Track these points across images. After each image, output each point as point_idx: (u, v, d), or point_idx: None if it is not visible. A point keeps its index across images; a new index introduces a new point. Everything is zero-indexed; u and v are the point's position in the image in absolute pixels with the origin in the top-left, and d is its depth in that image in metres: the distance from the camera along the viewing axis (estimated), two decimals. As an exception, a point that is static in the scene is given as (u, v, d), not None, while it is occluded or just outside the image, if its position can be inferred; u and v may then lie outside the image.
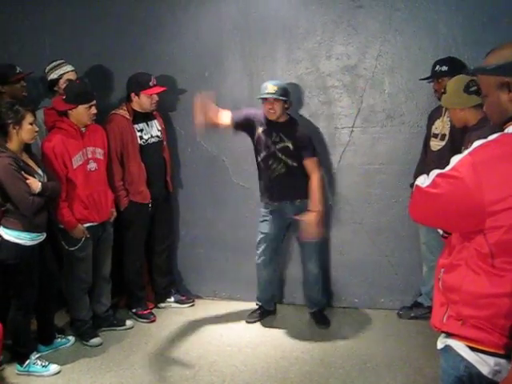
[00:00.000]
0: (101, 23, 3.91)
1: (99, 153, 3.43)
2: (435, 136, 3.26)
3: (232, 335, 3.57)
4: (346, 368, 3.09)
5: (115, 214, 3.58)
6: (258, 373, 3.09)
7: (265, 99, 3.33)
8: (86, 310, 3.52)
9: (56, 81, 3.59)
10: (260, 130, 3.44)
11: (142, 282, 3.89)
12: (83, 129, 3.34)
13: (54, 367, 3.16)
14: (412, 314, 3.62)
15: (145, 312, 3.84)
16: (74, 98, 3.25)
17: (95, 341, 3.48)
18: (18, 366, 3.16)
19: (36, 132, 3.03)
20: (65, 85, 3.48)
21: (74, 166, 3.28)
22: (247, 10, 3.69)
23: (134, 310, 3.84)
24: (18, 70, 3.48)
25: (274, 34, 3.68)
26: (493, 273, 1.38)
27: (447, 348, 1.52)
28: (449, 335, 1.51)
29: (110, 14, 3.90)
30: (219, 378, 3.05)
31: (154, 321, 3.80)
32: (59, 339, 3.46)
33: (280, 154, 3.40)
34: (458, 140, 2.96)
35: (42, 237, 3.10)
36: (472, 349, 1.44)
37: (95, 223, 3.41)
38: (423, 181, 1.48)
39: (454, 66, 3.11)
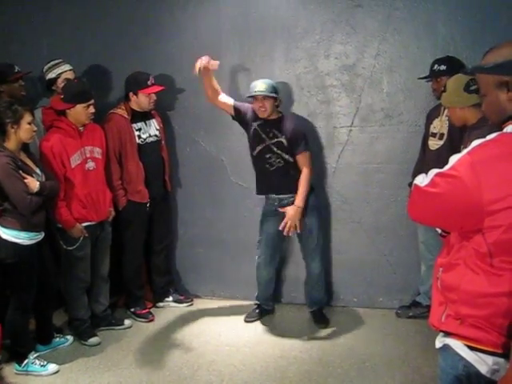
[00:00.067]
0: (99, 23, 3.90)
1: (97, 152, 3.42)
2: (433, 135, 3.27)
3: (230, 334, 3.57)
4: (345, 367, 3.09)
5: (113, 213, 3.57)
6: (257, 372, 3.09)
7: (255, 97, 3.34)
8: (84, 310, 3.52)
9: (54, 80, 3.58)
10: (254, 124, 3.45)
11: (140, 281, 3.89)
12: (81, 128, 3.33)
13: (52, 367, 3.16)
14: (410, 313, 3.62)
15: (143, 311, 3.84)
16: (72, 98, 3.25)
17: (93, 340, 3.48)
18: (17, 366, 3.15)
19: (34, 131, 3.03)
20: (63, 84, 3.47)
21: (72, 166, 3.27)
22: (246, 9, 3.69)
23: (132, 310, 3.84)
24: (17, 69, 3.47)
25: (272, 33, 3.68)
26: (491, 272, 1.38)
27: (446, 347, 1.52)
28: (447, 334, 1.51)
29: (109, 13, 3.89)
30: (218, 378, 3.05)
31: (152, 320, 3.80)
32: (57, 339, 3.45)
33: (275, 148, 3.41)
34: (456, 139, 2.96)
35: (40, 236, 3.10)
36: (470, 348, 1.44)
37: (93, 222, 3.41)
38: (422, 180, 1.48)
39: (453, 66, 3.11)
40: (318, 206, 3.57)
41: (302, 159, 3.40)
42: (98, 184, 3.42)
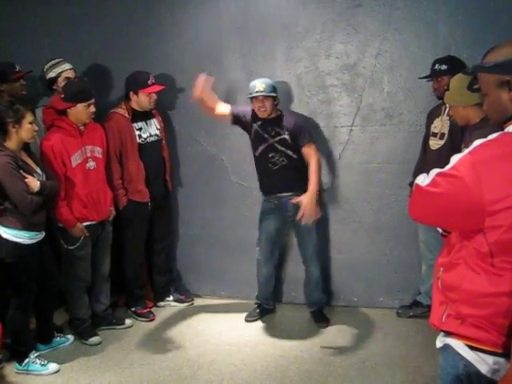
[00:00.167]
0: (100, 22, 3.90)
1: (98, 151, 3.42)
2: (434, 135, 3.26)
3: (231, 334, 3.57)
4: (345, 367, 3.09)
5: (114, 212, 3.58)
6: (257, 371, 3.09)
7: (254, 98, 3.34)
8: (85, 309, 3.52)
9: (54, 79, 3.58)
10: (256, 125, 3.46)
11: (141, 280, 3.89)
12: (82, 127, 3.33)
13: (53, 366, 3.16)
14: (411, 313, 3.62)
15: (144, 311, 3.84)
16: (73, 97, 3.25)
17: (94, 339, 3.48)
18: (17, 365, 3.16)
19: (35, 131, 3.03)
20: (63, 83, 3.48)
21: (73, 165, 3.28)
22: (246, 8, 3.69)
23: (133, 309, 3.84)
24: (18, 68, 3.47)
25: (273, 32, 3.68)
26: (492, 272, 1.38)
27: (446, 347, 1.52)
28: (448, 334, 1.51)
29: (110, 13, 3.89)
30: (218, 377, 3.05)
31: (153, 320, 3.80)
32: (58, 338, 3.46)
33: (279, 146, 3.41)
34: (457, 139, 2.96)
35: (41, 235, 3.10)
36: (471, 348, 1.45)
37: (94, 222, 3.41)
38: (423, 180, 1.48)
39: (454, 65, 3.11)
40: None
41: (308, 150, 3.39)
42: (98, 183, 3.42)
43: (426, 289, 3.47)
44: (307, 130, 3.43)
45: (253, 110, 3.44)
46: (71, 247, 3.34)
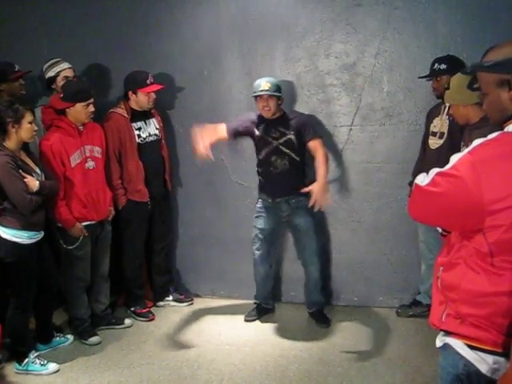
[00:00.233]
0: (99, 22, 3.90)
1: (97, 151, 3.42)
2: (434, 134, 3.26)
3: (231, 334, 3.57)
4: (345, 366, 3.09)
5: (113, 212, 3.58)
6: (257, 371, 3.09)
7: (259, 96, 3.33)
8: (84, 309, 3.52)
9: (53, 78, 3.58)
10: (258, 129, 3.44)
11: (140, 280, 3.89)
12: (81, 127, 3.33)
13: (52, 366, 3.16)
14: (411, 313, 3.62)
15: (143, 311, 3.84)
16: (72, 96, 3.25)
17: (94, 339, 3.48)
18: (17, 365, 3.16)
19: (35, 131, 3.03)
20: (62, 82, 3.48)
21: (72, 165, 3.27)
22: (246, 8, 3.69)
23: (132, 309, 3.84)
24: (17, 68, 3.47)
25: (272, 32, 3.68)
26: (492, 271, 1.38)
27: (446, 346, 1.52)
28: (447, 333, 1.51)
29: (109, 13, 3.89)
30: (218, 377, 3.05)
31: (152, 319, 3.80)
32: (58, 338, 3.46)
33: (284, 148, 3.39)
34: (456, 138, 2.96)
35: (40, 235, 3.10)
36: (471, 347, 1.44)
37: (93, 222, 3.41)
38: (423, 179, 1.48)
39: (453, 65, 3.11)
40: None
41: (314, 144, 3.35)
42: (97, 183, 3.42)
43: (426, 288, 3.47)
44: (312, 126, 3.42)
45: (255, 114, 3.42)
46: (70, 247, 3.34)
